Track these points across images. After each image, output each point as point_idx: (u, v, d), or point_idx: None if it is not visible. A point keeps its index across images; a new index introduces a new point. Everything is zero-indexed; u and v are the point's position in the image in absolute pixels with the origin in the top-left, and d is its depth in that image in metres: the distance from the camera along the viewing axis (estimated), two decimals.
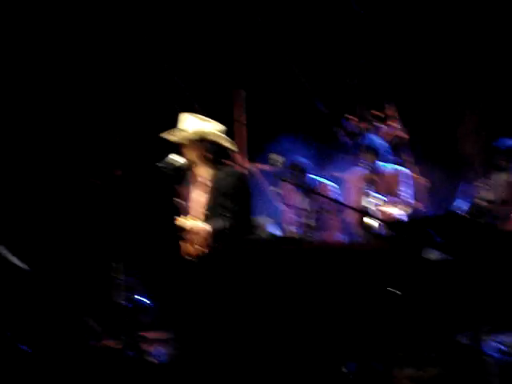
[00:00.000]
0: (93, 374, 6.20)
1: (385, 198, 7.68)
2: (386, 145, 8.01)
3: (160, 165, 5.97)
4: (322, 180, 8.22)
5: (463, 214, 7.27)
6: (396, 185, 7.81)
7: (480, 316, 5.32)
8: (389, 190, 7.80)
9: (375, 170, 7.82)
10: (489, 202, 7.66)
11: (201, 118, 6.08)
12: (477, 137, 9.06)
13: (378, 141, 7.96)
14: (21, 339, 6.29)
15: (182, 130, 6.06)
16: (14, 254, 6.28)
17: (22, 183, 8.58)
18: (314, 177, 8.17)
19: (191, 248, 5.94)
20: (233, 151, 6.16)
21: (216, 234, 5.84)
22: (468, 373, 5.29)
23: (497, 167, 7.86)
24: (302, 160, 8.09)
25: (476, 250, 5.28)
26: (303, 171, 8.03)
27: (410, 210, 7.83)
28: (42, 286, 6.79)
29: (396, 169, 7.95)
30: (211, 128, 6.05)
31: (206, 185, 6.02)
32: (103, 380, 6.17)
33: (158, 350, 7.46)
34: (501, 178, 7.84)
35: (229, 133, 6.19)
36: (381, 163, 7.84)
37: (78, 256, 8.68)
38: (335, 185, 8.20)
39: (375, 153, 7.81)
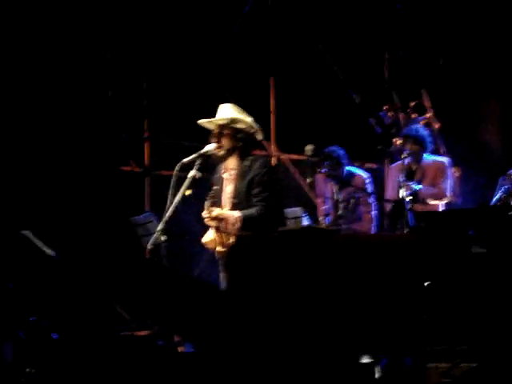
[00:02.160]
0: (122, 363, 6.20)
1: (420, 186, 7.59)
2: (429, 135, 7.92)
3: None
4: (356, 170, 8.15)
5: (493, 206, 7.17)
6: (438, 176, 7.74)
7: None
8: (430, 181, 7.72)
9: (418, 161, 7.74)
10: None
11: (235, 109, 6.10)
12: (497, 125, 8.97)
13: (422, 131, 7.87)
14: (50, 326, 6.31)
15: (215, 118, 6.08)
16: (41, 240, 6.30)
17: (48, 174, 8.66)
18: (349, 167, 8.10)
19: (222, 237, 5.96)
20: (262, 140, 6.16)
21: (245, 221, 5.85)
22: (501, 367, 5.21)
23: None
24: (337, 149, 8.02)
25: (508, 243, 5.19)
26: (337, 161, 7.96)
27: (446, 202, 7.75)
28: (71, 272, 6.81)
29: (438, 160, 7.87)
30: (243, 117, 6.04)
31: (234, 173, 6.02)
32: (133, 369, 6.17)
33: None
34: None
35: (260, 122, 6.18)
36: (425, 154, 7.77)
37: (109, 243, 8.71)
38: (368, 176, 8.13)
39: (420, 143, 7.73)
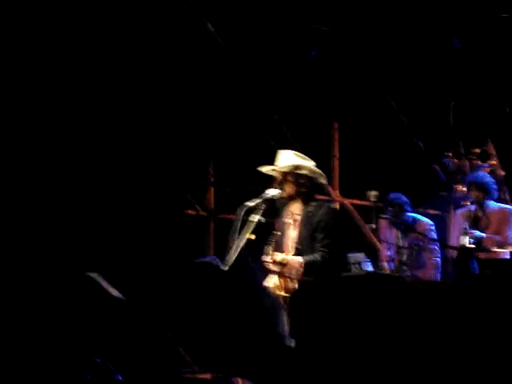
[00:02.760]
0: None
1: (483, 235, 7.54)
2: (494, 182, 7.89)
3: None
4: (419, 217, 8.12)
5: None
6: (503, 224, 7.69)
7: None
8: (495, 228, 7.67)
9: (483, 208, 7.71)
10: None
11: (296, 154, 6.17)
12: None
13: (487, 178, 7.84)
14: (114, 368, 6.37)
15: (278, 165, 6.14)
16: (108, 282, 6.39)
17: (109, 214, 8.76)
18: (412, 214, 8.08)
19: (285, 282, 5.99)
20: (326, 186, 6.20)
21: (308, 267, 5.88)
22: None
23: None
24: (400, 196, 8.02)
25: None
26: (401, 207, 7.95)
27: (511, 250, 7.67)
28: (136, 315, 6.87)
29: (503, 207, 7.82)
30: (305, 163, 6.10)
31: (298, 219, 6.06)
32: None
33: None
34: None
35: (322, 167, 6.23)
36: (489, 201, 7.73)
37: (173, 288, 8.76)
38: (432, 222, 8.10)
39: (484, 190, 7.70)
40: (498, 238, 7.64)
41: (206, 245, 9.61)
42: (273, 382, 5.49)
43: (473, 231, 7.50)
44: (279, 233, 6.13)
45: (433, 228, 8.03)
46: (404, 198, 8.00)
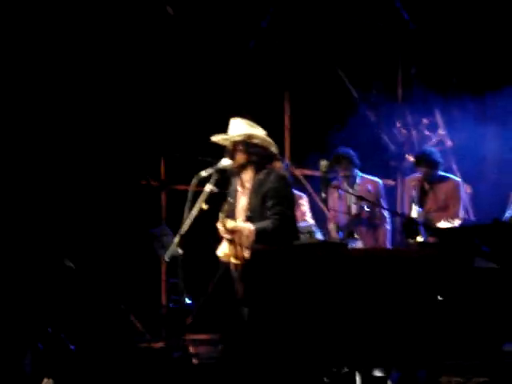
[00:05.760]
0: (138, 374, 6.27)
1: (420, 209, 7.68)
2: (440, 156, 8.01)
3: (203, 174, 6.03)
4: (370, 176, 8.20)
5: (508, 223, 7.24)
6: (450, 198, 7.81)
7: None
8: (442, 203, 7.80)
9: (430, 180, 7.84)
10: None
11: (248, 123, 6.17)
12: None
13: (434, 153, 7.95)
14: (67, 337, 6.39)
15: (230, 134, 6.16)
16: (62, 252, 6.39)
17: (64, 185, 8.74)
18: (362, 174, 8.16)
19: (236, 250, 6.02)
20: (277, 155, 6.23)
21: (259, 234, 5.89)
22: None
23: None
24: (348, 150, 8.10)
25: None
26: (350, 161, 8.03)
27: (459, 221, 7.79)
28: (90, 285, 6.89)
29: (450, 180, 7.94)
30: (257, 132, 6.13)
31: (249, 187, 6.10)
32: (148, 380, 6.24)
33: (202, 352, 7.52)
34: None
35: (274, 137, 6.26)
36: (437, 173, 7.86)
37: (126, 258, 8.79)
38: (381, 181, 8.21)
39: (431, 166, 7.82)
40: (446, 213, 7.78)
41: (159, 215, 9.62)
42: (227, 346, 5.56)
43: (418, 209, 7.64)
44: (231, 200, 6.16)
45: (382, 188, 8.14)
46: (351, 152, 8.09)
